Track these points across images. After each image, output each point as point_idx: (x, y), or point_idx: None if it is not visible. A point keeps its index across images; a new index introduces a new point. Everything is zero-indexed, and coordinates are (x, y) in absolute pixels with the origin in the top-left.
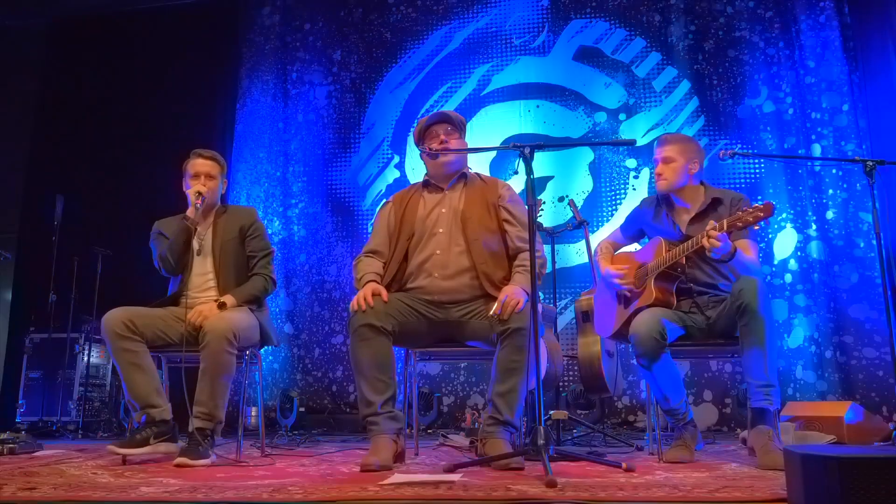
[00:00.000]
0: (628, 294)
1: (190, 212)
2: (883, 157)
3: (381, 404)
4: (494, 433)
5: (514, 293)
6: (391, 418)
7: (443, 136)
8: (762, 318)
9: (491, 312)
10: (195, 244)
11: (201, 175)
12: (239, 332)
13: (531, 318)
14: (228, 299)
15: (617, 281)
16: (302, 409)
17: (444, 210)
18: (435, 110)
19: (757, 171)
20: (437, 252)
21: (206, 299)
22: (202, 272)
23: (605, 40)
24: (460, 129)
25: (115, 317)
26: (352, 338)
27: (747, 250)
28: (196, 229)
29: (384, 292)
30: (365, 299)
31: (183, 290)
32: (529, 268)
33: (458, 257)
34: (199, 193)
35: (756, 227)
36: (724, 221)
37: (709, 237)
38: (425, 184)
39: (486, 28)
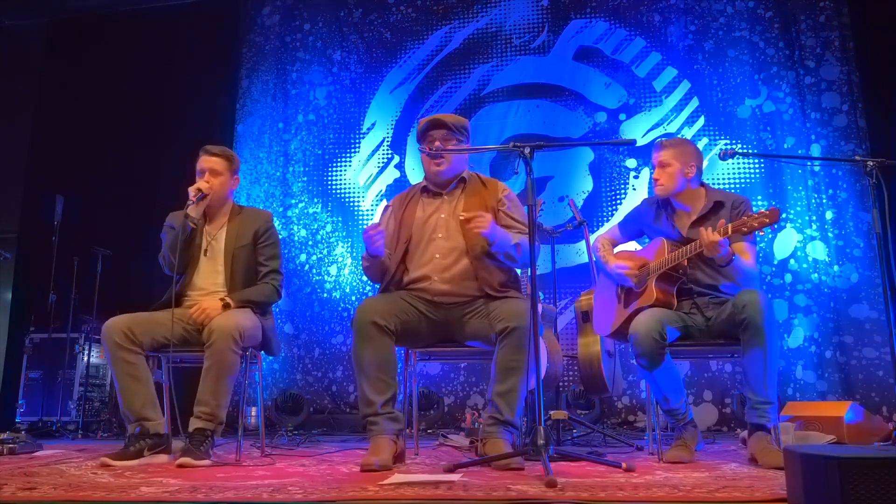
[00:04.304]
0: (634, 288)
1: (191, 210)
2: (883, 157)
3: (382, 404)
4: (495, 433)
5: (489, 220)
6: (391, 419)
7: (438, 142)
8: (766, 334)
9: (461, 215)
10: (204, 243)
11: (205, 172)
12: (244, 332)
13: (531, 318)
14: (231, 299)
15: (622, 272)
16: (311, 410)
17: (443, 215)
18: (435, 111)
19: (757, 171)
20: (437, 256)
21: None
22: (210, 275)
23: (605, 40)
24: (458, 132)
25: (116, 326)
26: (355, 336)
27: (745, 254)
28: (196, 227)
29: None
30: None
31: (185, 290)
32: (530, 265)
33: (458, 261)
34: (199, 190)
35: (761, 233)
36: (730, 227)
37: (708, 248)
38: (424, 188)
39: (486, 28)
